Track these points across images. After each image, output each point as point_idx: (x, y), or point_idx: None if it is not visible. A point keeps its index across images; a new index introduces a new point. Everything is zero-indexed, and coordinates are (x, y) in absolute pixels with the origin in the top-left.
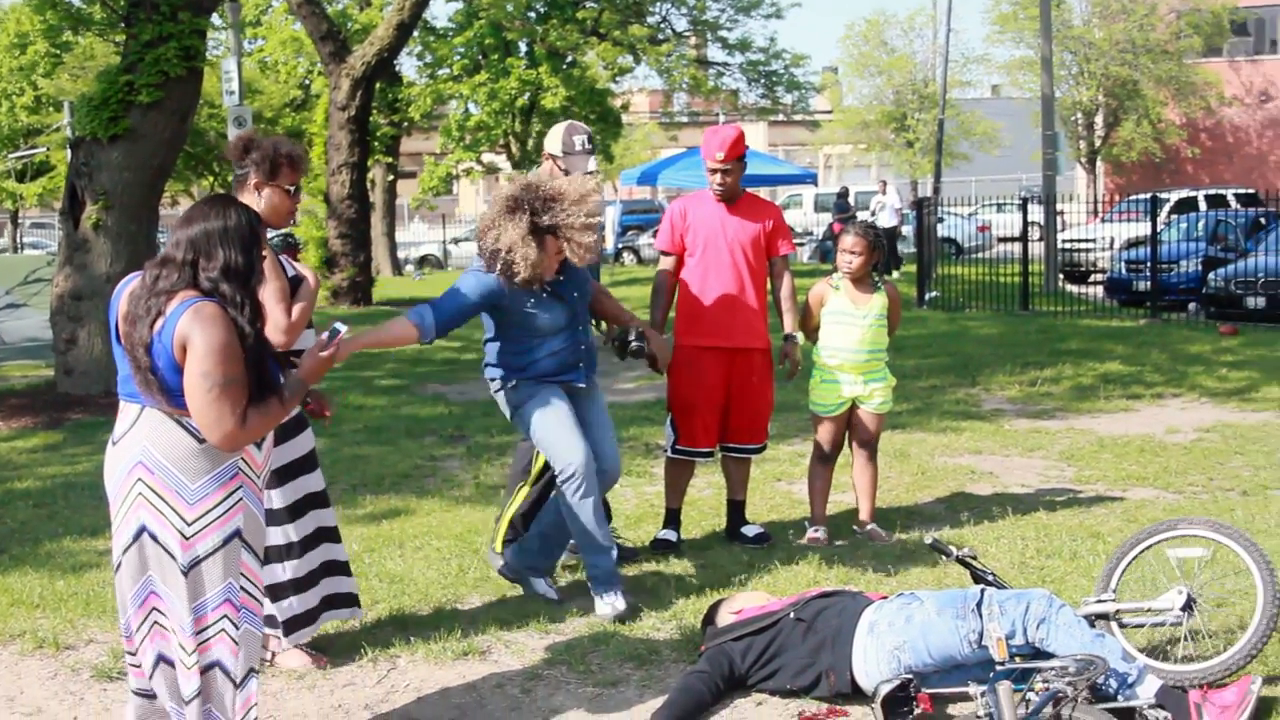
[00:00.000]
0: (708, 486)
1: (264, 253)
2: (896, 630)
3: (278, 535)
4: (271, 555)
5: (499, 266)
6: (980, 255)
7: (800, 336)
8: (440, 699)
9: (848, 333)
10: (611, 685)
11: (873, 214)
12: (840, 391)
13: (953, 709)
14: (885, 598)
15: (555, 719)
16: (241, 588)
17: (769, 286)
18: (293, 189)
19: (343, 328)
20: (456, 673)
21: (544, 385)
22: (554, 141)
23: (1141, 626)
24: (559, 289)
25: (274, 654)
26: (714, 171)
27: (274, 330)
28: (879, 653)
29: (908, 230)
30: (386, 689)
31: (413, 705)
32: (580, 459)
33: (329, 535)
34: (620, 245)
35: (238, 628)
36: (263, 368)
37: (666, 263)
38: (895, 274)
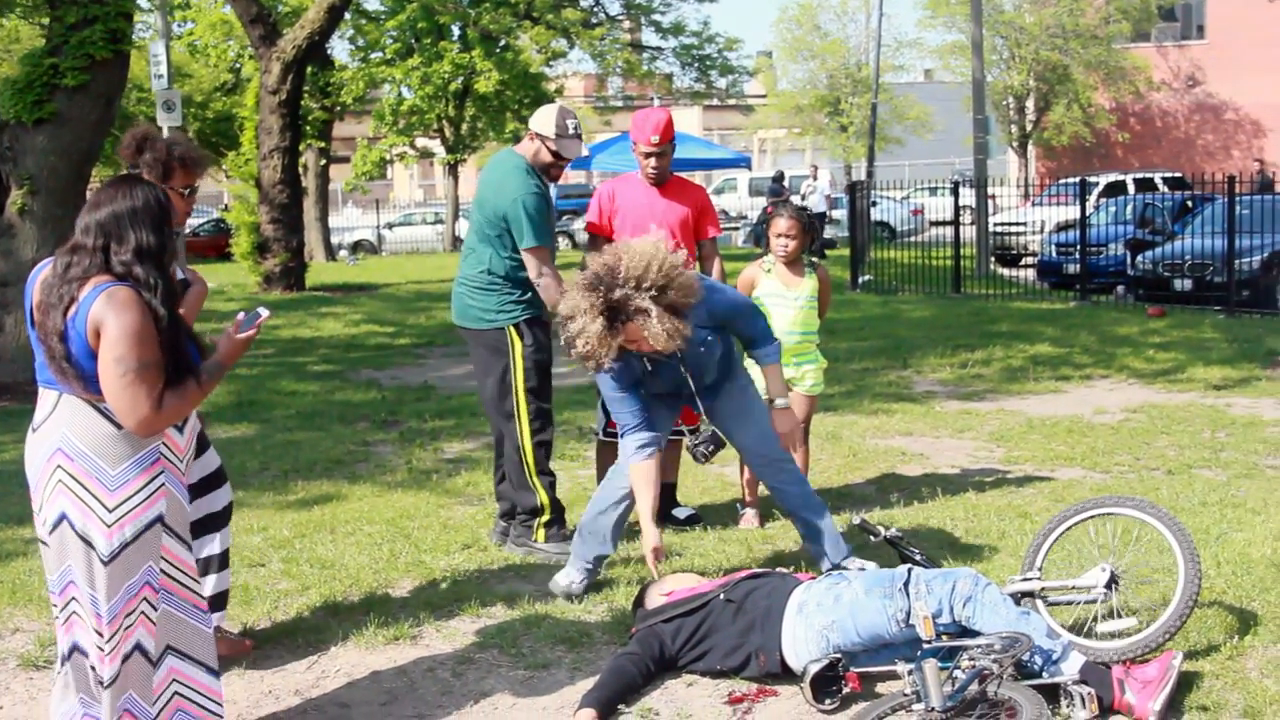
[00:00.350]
0: None
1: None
2: (825, 610)
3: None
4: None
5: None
6: (913, 239)
7: None
8: (371, 684)
9: (780, 314)
10: (543, 668)
11: (803, 198)
12: None
13: (881, 687)
14: (814, 578)
15: (486, 702)
16: (162, 571)
17: (698, 270)
18: (187, 191)
19: (264, 311)
20: (387, 657)
21: None
22: (546, 123)
23: (1066, 604)
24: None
25: None
26: (648, 155)
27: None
28: (808, 633)
29: (840, 214)
30: (317, 674)
31: (343, 690)
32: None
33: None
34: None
35: (156, 609)
36: (179, 350)
37: (596, 243)
38: (823, 259)
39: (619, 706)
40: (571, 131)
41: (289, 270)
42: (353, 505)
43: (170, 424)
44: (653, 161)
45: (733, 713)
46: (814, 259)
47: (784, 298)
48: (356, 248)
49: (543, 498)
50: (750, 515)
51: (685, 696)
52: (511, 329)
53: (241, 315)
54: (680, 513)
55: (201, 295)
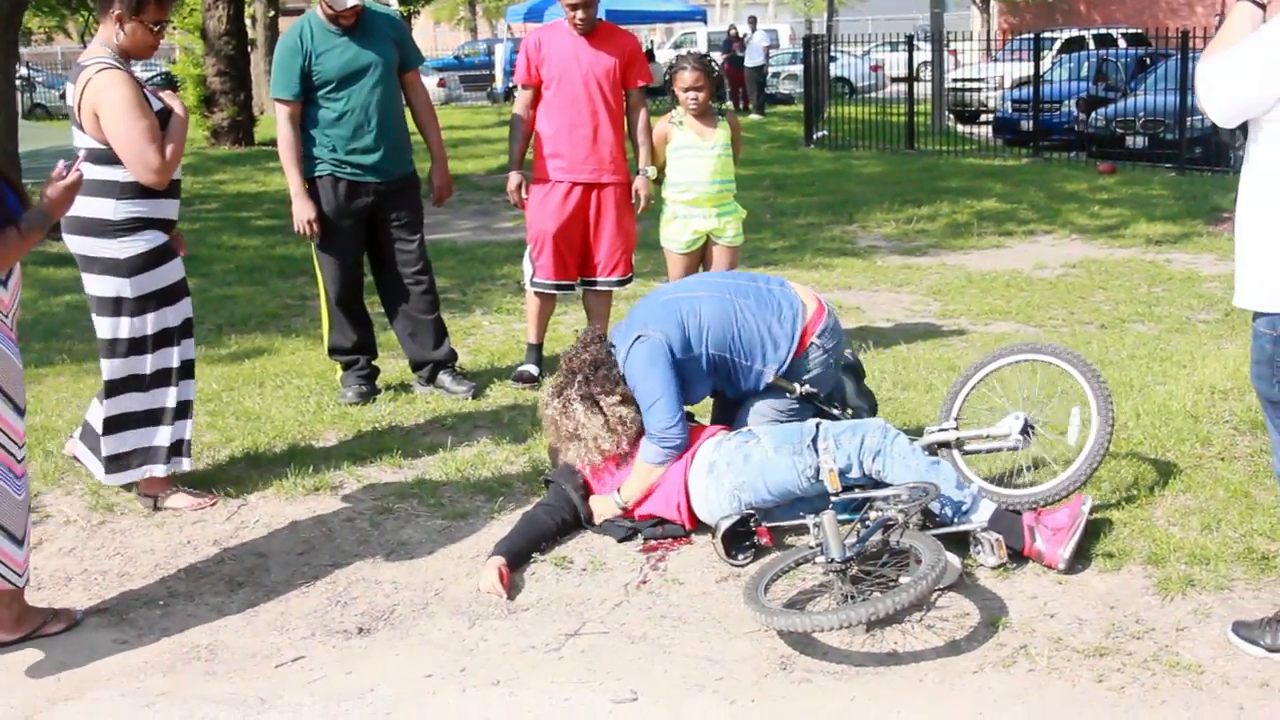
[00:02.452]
0: (576, 323)
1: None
2: (735, 470)
3: (144, 364)
4: (134, 384)
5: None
6: (873, 95)
7: (653, 171)
8: (289, 533)
9: (697, 165)
10: (461, 517)
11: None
12: (693, 227)
13: (792, 540)
14: (724, 429)
15: (402, 550)
16: None
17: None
18: (156, 27)
19: (81, 152)
20: (307, 508)
21: None
22: None
23: (981, 453)
24: None
25: (156, 499)
26: (573, 6)
27: (145, 170)
28: (719, 493)
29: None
30: (236, 525)
31: (261, 540)
32: None
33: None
34: (510, 85)
35: None
36: None
37: (523, 97)
38: (758, 116)
39: (533, 555)
40: None
41: (237, 124)
42: (284, 359)
43: None
44: (579, 13)
45: (647, 560)
46: (722, 106)
47: (699, 148)
48: None
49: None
50: None
51: (600, 545)
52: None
53: (61, 164)
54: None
55: (183, 123)
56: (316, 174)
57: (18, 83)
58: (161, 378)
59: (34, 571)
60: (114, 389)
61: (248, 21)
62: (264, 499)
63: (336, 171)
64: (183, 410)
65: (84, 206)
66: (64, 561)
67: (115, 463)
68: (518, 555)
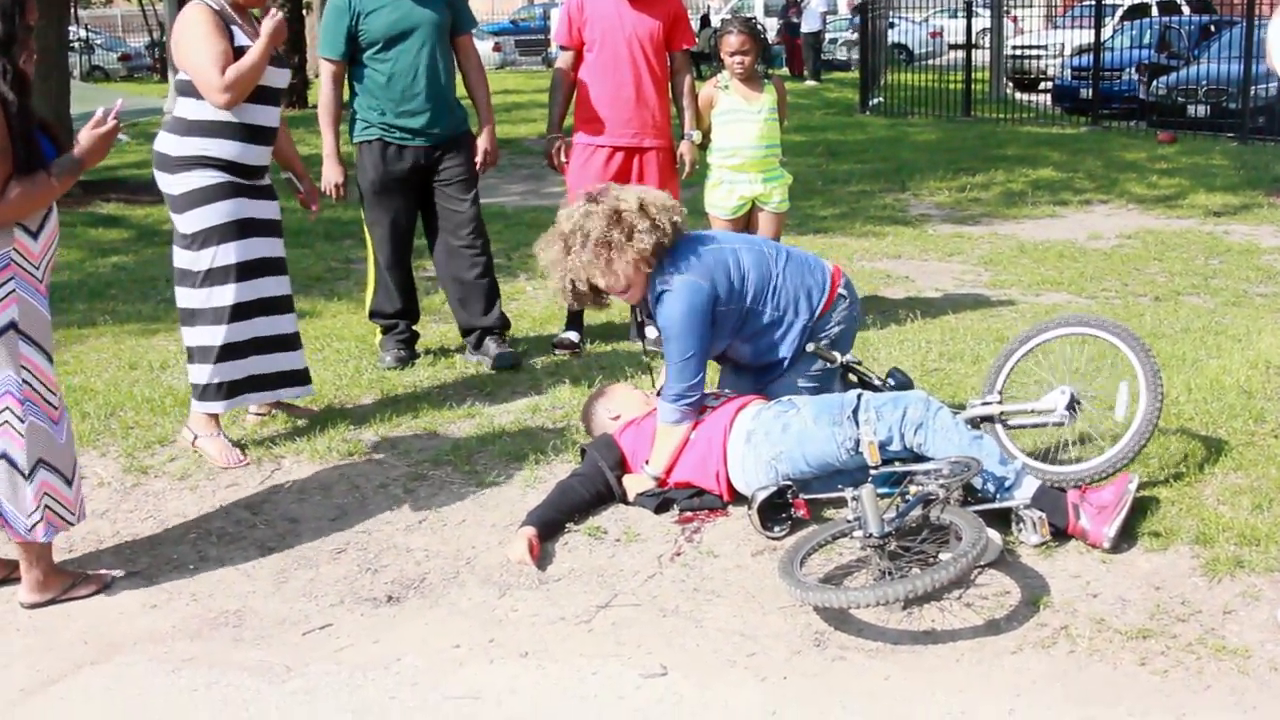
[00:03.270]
0: None
1: (31, 21)
2: (773, 440)
3: (200, 298)
4: (192, 319)
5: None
6: (931, 62)
7: (697, 135)
8: (322, 498)
9: (744, 130)
10: (494, 485)
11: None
12: (739, 192)
13: (829, 513)
14: (764, 400)
15: (434, 517)
16: (24, 381)
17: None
18: None
19: (120, 100)
20: (340, 473)
21: None
22: None
23: (1025, 428)
24: None
25: (196, 436)
26: None
27: (210, 90)
28: (756, 463)
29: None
30: (269, 489)
31: (294, 505)
32: None
33: (268, 307)
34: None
35: (23, 421)
36: (30, 140)
37: (564, 58)
38: (814, 83)
39: (567, 525)
40: None
41: (292, 87)
42: (325, 322)
43: (17, 216)
44: None
45: (681, 532)
46: (769, 70)
47: (746, 112)
48: None
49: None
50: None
51: (634, 516)
52: None
53: (100, 110)
54: (653, 331)
55: (261, 50)
56: (366, 138)
57: (76, 44)
58: (239, 311)
59: (66, 536)
60: (182, 319)
61: None
62: (298, 463)
63: (385, 135)
64: (250, 347)
65: (158, 141)
66: (97, 524)
67: (202, 391)
68: (550, 525)
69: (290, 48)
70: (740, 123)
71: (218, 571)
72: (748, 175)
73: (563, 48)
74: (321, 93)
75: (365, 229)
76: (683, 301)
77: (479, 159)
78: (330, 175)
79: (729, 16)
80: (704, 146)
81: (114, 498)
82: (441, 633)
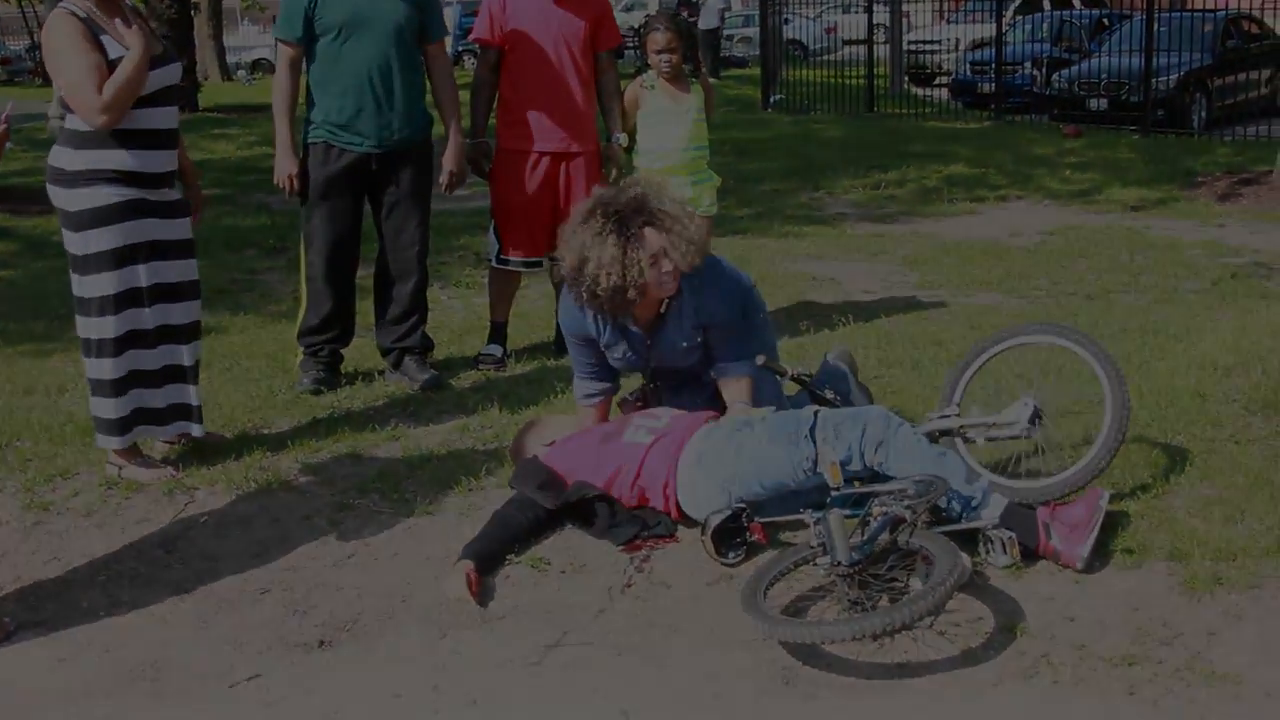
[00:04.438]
0: (540, 298)
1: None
2: (725, 463)
3: (94, 327)
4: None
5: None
6: (827, 58)
7: (624, 138)
8: (241, 533)
9: (672, 130)
10: (426, 514)
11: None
12: None
13: (787, 536)
14: (714, 418)
15: (365, 553)
16: None
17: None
18: None
19: (10, 102)
20: (259, 504)
21: None
22: None
23: (988, 442)
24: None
25: (120, 467)
26: None
27: (87, 111)
28: (708, 487)
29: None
30: (183, 524)
31: (211, 541)
32: None
33: (169, 335)
34: (460, 49)
35: None
36: None
37: (486, 57)
38: (713, 80)
39: (507, 556)
40: None
41: (181, 90)
42: (233, 338)
43: None
44: None
45: (630, 561)
46: (694, 69)
47: (674, 112)
48: (255, 67)
49: None
50: None
51: (579, 544)
52: None
53: None
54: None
55: (135, 62)
56: (311, 139)
57: None
58: (127, 340)
59: None
60: (82, 347)
61: None
62: (213, 494)
63: (330, 139)
64: (151, 377)
65: (53, 154)
66: None
67: (99, 425)
68: (488, 558)
69: (178, 48)
70: (667, 124)
71: (131, 617)
72: (676, 178)
73: (484, 46)
74: (277, 78)
75: (301, 240)
76: (736, 272)
77: (443, 178)
78: (284, 166)
79: (656, 12)
80: (629, 149)
81: (13, 538)
82: (380, 681)
